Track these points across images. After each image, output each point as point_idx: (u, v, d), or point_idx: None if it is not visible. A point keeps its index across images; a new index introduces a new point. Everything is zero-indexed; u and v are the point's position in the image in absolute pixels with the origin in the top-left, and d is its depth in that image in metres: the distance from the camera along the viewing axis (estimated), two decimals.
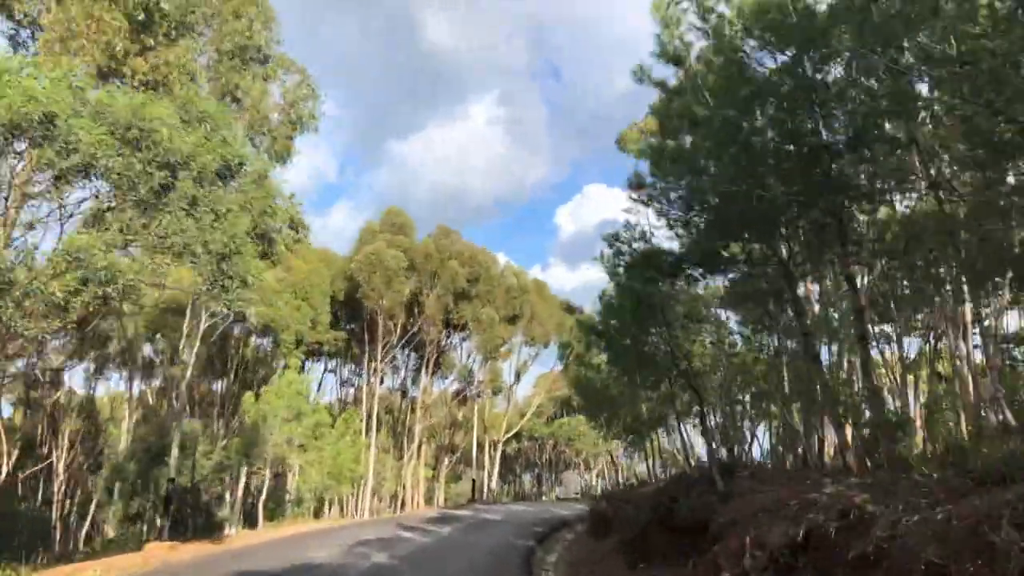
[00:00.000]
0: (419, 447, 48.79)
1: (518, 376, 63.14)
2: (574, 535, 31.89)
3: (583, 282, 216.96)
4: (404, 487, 47.12)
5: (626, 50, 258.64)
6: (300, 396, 34.16)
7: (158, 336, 38.22)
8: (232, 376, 40.54)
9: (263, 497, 33.58)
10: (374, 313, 44.14)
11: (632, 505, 21.31)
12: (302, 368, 50.46)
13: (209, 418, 40.30)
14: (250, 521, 33.75)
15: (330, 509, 45.52)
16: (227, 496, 32.95)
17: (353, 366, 60.47)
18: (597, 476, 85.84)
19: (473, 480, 56.15)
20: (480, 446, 69.46)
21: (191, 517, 32.59)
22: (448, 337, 49.60)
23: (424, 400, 48.98)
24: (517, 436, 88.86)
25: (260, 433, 32.31)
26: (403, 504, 47.79)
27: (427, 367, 49.19)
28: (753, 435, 28.24)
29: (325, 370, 58.72)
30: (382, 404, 62.03)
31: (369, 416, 45.00)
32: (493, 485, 65.66)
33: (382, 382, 60.96)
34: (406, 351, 51.84)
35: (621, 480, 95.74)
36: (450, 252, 45.67)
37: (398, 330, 46.12)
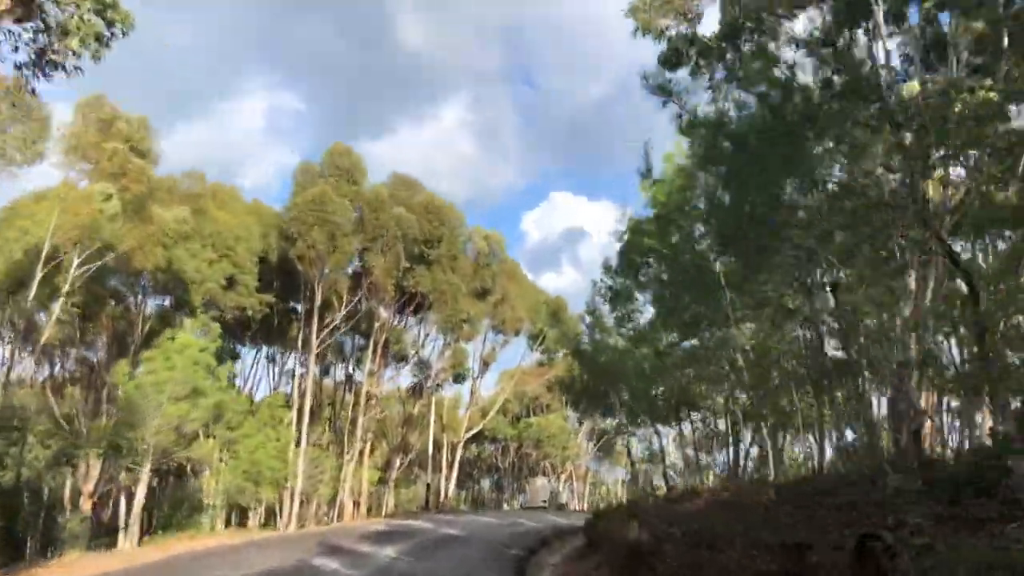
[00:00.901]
0: (365, 446, 39.94)
1: (485, 366, 54.67)
2: (561, 558, 23.49)
3: (550, 290, 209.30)
4: (344, 492, 38.21)
5: (601, 60, 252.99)
6: (198, 368, 25.23)
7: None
8: (112, 345, 31.46)
9: (137, 502, 24.53)
10: (312, 280, 35.33)
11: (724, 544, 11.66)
12: (234, 352, 41.52)
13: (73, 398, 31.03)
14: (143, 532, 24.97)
15: (252, 518, 36.56)
16: (83, 501, 23.88)
17: (297, 354, 51.64)
18: (565, 483, 77.44)
19: (427, 485, 47.49)
20: (437, 447, 60.74)
21: (29, 531, 23.48)
22: (401, 312, 40.68)
23: (370, 389, 40.12)
24: (478, 438, 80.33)
25: (137, 414, 23.37)
26: (341, 513, 38.88)
27: (375, 351, 40.35)
28: None
29: (263, 359, 49.65)
30: (324, 396, 53.08)
31: (301, 405, 36.05)
32: (451, 491, 57.00)
33: (327, 372, 52.20)
34: (355, 336, 42.99)
35: (587, 490, 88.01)
36: (408, 205, 37.01)
37: (343, 305, 37.52)
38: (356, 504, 41.07)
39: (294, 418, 36.29)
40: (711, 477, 58.09)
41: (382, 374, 42.15)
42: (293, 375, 52.93)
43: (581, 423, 76.67)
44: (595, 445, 77.90)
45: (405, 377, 53.38)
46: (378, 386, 40.95)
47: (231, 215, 35.36)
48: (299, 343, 39.17)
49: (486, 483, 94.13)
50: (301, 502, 35.79)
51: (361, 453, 39.75)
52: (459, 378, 42.46)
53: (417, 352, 50.47)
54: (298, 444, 35.04)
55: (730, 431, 32.80)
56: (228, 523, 33.72)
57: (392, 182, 37.91)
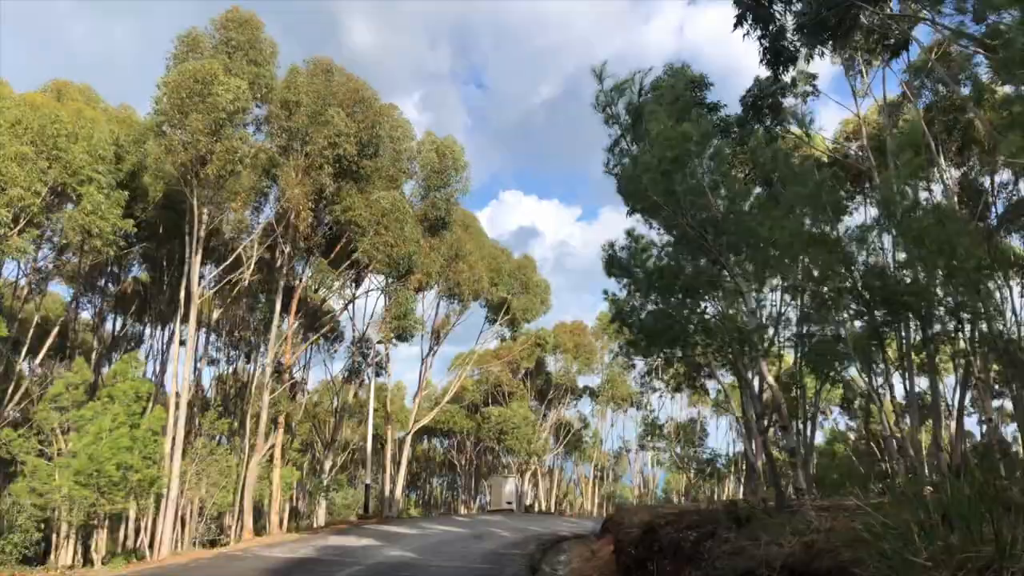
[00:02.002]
0: (276, 439, 28.78)
1: (436, 339, 43.98)
2: None
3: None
4: (246, 499, 27.03)
5: (550, 61, 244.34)
6: None
7: None
8: None
9: None
10: (196, 201, 24.34)
11: None
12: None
13: None
14: None
15: (98, 542, 25.35)
16: None
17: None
18: (529, 482, 67.04)
19: (367, 487, 36.70)
20: (381, 442, 49.88)
21: None
22: (327, 256, 29.25)
23: (284, 361, 28.95)
24: (430, 432, 69.54)
25: None
26: (243, 527, 27.72)
27: (289, 312, 29.25)
28: None
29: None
30: (235, 381, 41.77)
31: (177, 391, 24.94)
32: (398, 494, 46.19)
33: (237, 348, 41.10)
34: (268, 295, 31.85)
35: (554, 490, 77.90)
36: (332, 98, 26.07)
37: (255, 253, 26.57)
38: (266, 514, 30.00)
39: (172, 402, 25.19)
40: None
41: (299, 340, 31.08)
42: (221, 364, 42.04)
43: (545, 415, 66.65)
44: (561, 440, 67.72)
45: (340, 360, 42.63)
46: (293, 358, 29.94)
47: (63, 102, 24.18)
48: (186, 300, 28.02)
49: (440, 484, 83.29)
50: (183, 518, 24.68)
51: (268, 448, 28.66)
52: (404, 336, 31.59)
53: (352, 318, 39.62)
54: (174, 437, 23.95)
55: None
56: (47, 554, 22.58)
57: (311, 68, 26.85)
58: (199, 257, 24.83)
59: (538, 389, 66.07)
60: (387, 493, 45.38)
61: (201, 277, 26.17)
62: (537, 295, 44.48)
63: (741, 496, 60.98)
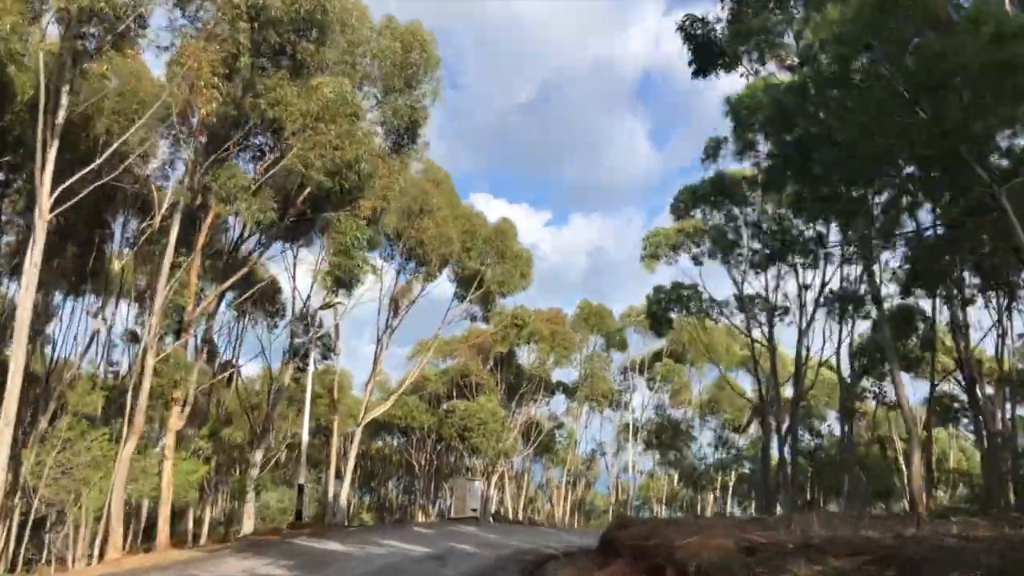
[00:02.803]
0: (170, 420, 21.07)
1: (395, 310, 36.54)
2: None
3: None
4: (115, 503, 19.27)
5: (526, 64, 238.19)
6: None
7: None
8: None
9: None
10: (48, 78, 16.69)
11: None
12: None
13: None
14: None
15: None
16: None
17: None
18: (495, 487, 59.53)
19: (300, 488, 29.10)
20: (326, 435, 42.33)
21: None
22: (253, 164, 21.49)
23: (188, 315, 21.24)
24: (386, 427, 61.85)
25: None
26: (109, 541, 19.89)
27: (194, 248, 21.60)
28: None
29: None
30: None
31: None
32: (344, 497, 38.52)
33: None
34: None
35: (523, 497, 70.31)
36: None
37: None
38: (156, 524, 22.26)
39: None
40: None
41: (201, 293, 23.37)
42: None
43: (514, 412, 59.41)
44: (532, 441, 60.35)
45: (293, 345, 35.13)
46: (198, 312, 22.21)
47: None
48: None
49: (397, 487, 75.49)
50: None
51: (170, 437, 20.97)
52: (348, 283, 23.98)
53: (293, 281, 31.97)
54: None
55: None
56: None
57: None
58: (53, 153, 17.22)
59: (508, 384, 58.83)
60: (331, 496, 37.78)
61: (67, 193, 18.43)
62: (516, 266, 37.30)
63: (753, 511, 54.34)
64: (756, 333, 35.71)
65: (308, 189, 20.81)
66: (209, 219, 20.84)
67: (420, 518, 60.06)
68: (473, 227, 37.24)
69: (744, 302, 34.41)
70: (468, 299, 38.94)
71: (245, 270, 22.31)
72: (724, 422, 56.90)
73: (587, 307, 59.78)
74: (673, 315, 35.33)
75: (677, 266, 34.66)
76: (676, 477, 61.15)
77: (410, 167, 29.04)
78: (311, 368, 30.02)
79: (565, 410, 64.27)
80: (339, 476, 38.15)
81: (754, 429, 58.22)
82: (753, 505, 63.59)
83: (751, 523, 18.12)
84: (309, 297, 31.54)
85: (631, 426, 59.97)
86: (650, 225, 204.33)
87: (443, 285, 43.20)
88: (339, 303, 28.87)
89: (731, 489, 59.24)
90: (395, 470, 70.86)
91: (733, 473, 58.93)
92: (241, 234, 26.09)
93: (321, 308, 29.56)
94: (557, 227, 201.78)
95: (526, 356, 58.51)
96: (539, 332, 54.10)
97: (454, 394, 56.63)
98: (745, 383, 59.18)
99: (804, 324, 31.95)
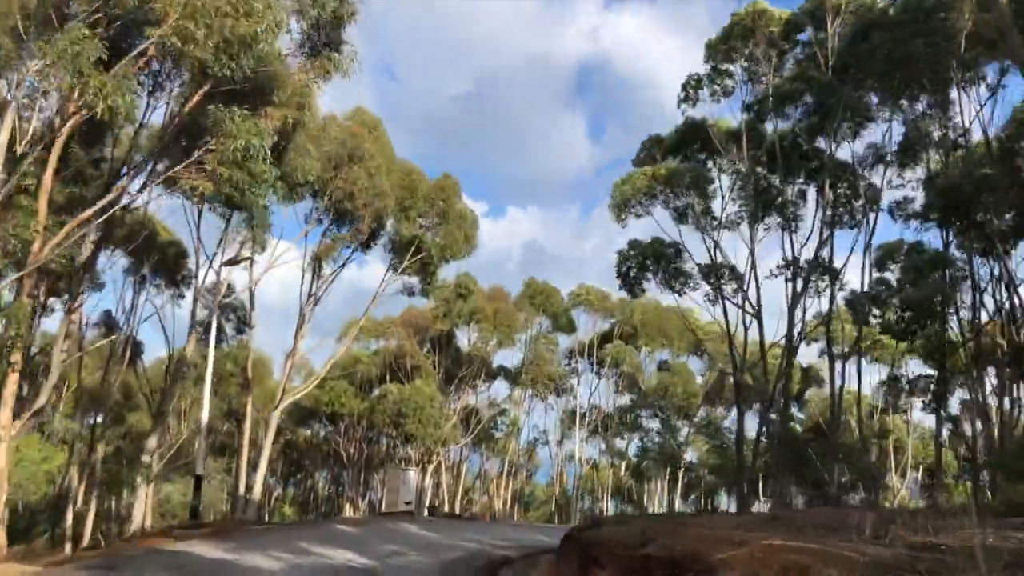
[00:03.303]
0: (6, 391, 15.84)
1: (318, 271, 31.44)
2: None
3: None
4: None
5: (462, 57, 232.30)
6: None
7: None
8: None
9: None
10: None
11: None
12: None
13: None
14: None
15: None
16: None
17: None
18: (431, 479, 54.71)
19: (197, 478, 23.89)
20: (237, 421, 37.01)
21: None
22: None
23: (36, 250, 16.05)
24: (313, 415, 56.51)
25: None
26: None
27: (50, 163, 16.16)
28: None
29: None
30: None
31: None
32: (258, 491, 33.26)
33: None
34: None
35: (460, 489, 65.29)
36: None
37: None
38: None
39: None
40: None
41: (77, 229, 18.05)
42: None
43: (453, 398, 54.81)
44: (471, 429, 55.66)
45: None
46: (50, 249, 16.92)
47: None
48: None
49: (325, 479, 69.89)
50: None
51: (5, 411, 15.73)
52: (242, 205, 18.91)
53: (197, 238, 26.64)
54: None
55: None
56: None
57: None
58: None
59: (446, 368, 54.16)
60: (243, 489, 32.57)
61: None
62: (460, 227, 32.61)
63: (726, 505, 51.13)
64: (731, 305, 31.91)
65: (191, 78, 15.69)
66: (67, 128, 15.56)
67: (349, 512, 54.95)
68: (411, 183, 32.46)
69: (719, 270, 30.54)
70: (404, 267, 34.07)
71: (112, 196, 16.99)
72: (678, 408, 53.26)
73: (533, 285, 55.47)
74: (648, 281, 31.09)
75: (647, 231, 30.37)
76: (624, 467, 57.43)
77: (338, 115, 24.36)
78: (213, 336, 24.74)
79: (507, 396, 59.84)
80: (255, 467, 32.92)
81: (705, 413, 54.93)
82: (723, 499, 60.36)
83: (767, 522, 13.93)
84: (215, 255, 26.32)
85: (578, 413, 55.98)
86: (587, 218, 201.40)
87: (377, 267, 38.20)
88: (247, 258, 23.79)
89: (680, 480, 55.78)
90: (324, 460, 65.32)
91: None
92: (123, 165, 20.62)
93: (227, 264, 24.38)
94: (494, 219, 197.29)
95: (467, 338, 53.87)
96: (481, 310, 49.52)
97: (387, 378, 51.70)
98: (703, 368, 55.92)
99: (798, 289, 28.24)
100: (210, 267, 27.27)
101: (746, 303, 30.74)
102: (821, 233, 28.49)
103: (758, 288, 29.62)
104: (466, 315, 49.36)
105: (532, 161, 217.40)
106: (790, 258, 29.24)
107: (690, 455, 58.55)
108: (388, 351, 53.45)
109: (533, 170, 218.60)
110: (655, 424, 57.53)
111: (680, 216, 28.93)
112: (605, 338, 55.75)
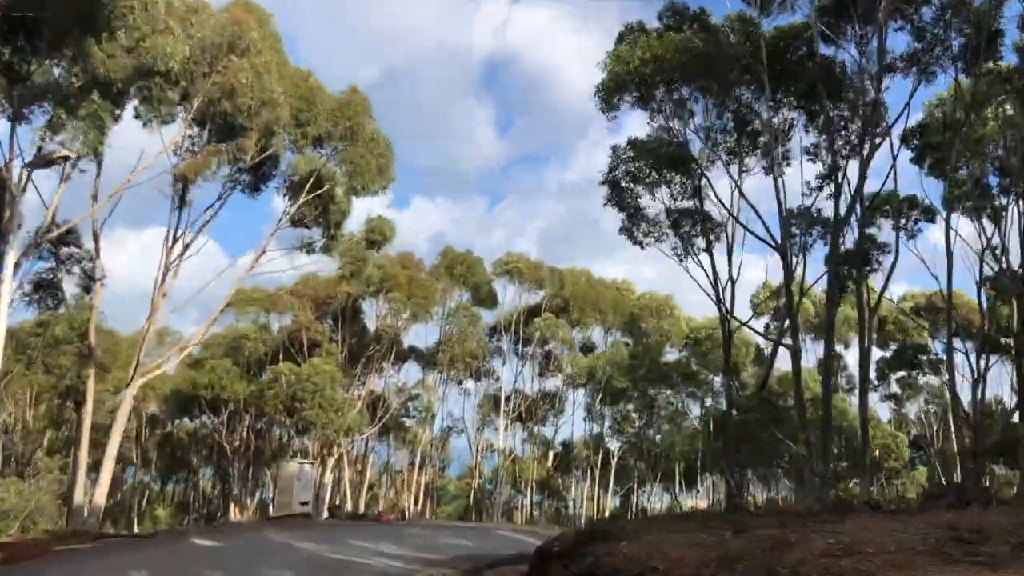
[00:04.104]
0: None
1: (182, 193, 23.54)
2: None
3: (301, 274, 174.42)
4: None
5: (372, 46, 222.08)
6: None
7: None
8: None
9: None
10: None
11: None
12: None
13: None
14: None
15: None
16: None
17: None
18: (332, 474, 46.84)
19: None
20: (77, 400, 28.57)
21: None
22: None
23: None
24: (193, 403, 47.89)
25: None
26: None
27: None
28: None
29: None
30: None
31: None
32: (101, 494, 25.06)
33: None
34: None
35: (365, 485, 56.85)
36: None
37: None
38: None
39: None
40: None
41: None
42: None
43: (359, 382, 47.30)
44: (378, 418, 47.97)
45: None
46: None
47: None
48: None
49: (212, 476, 60.64)
50: None
51: None
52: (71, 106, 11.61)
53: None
54: None
55: None
56: None
57: None
58: None
59: (350, 348, 46.66)
60: (80, 495, 24.36)
61: None
62: (372, 152, 25.31)
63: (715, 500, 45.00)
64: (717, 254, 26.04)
65: None
66: None
67: (234, 515, 46.64)
68: (309, 92, 25.01)
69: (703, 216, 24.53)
70: (302, 206, 26.56)
71: None
72: (612, 392, 47.38)
73: (450, 254, 48.46)
74: (643, 200, 24.56)
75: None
76: (551, 458, 51.23)
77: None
78: (7, 270, 16.63)
79: (418, 382, 52.54)
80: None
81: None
82: (704, 493, 54.55)
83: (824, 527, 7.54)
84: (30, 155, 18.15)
85: (502, 397, 49.43)
86: (492, 213, 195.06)
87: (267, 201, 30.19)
88: (63, 157, 15.95)
89: (613, 471, 50.00)
90: (210, 455, 56.27)
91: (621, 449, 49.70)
92: None
93: (36, 165, 16.36)
94: (398, 209, 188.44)
95: (375, 312, 46.32)
96: (393, 277, 42.23)
97: (280, 357, 43.81)
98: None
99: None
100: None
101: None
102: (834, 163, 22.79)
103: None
104: (376, 281, 41.92)
105: (439, 153, 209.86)
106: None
107: (615, 443, 52.94)
108: (283, 330, 45.49)
109: (441, 162, 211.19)
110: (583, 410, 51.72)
111: (682, 108, 22.41)
112: (532, 313, 49.33)
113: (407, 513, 47.61)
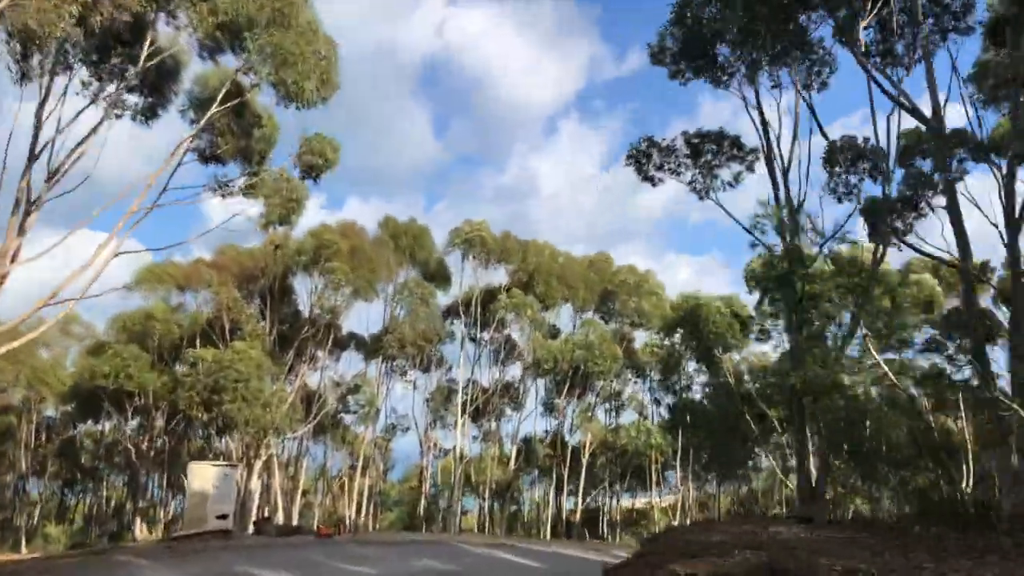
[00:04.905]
0: None
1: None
2: None
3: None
4: None
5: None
6: None
7: None
8: None
9: None
10: None
11: None
12: None
13: None
14: None
15: None
16: None
17: None
18: (260, 481, 39.58)
19: None
20: None
21: None
22: None
23: None
24: (91, 403, 40.19)
25: None
26: None
27: None
28: None
29: None
30: None
31: None
32: None
33: None
34: None
35: (299, 493, 49.09)
36: None
37: None
38: None
39: None
40: None
41: None
42: None
43: (290, 374, 40.45)
44: (313, 416, 41.03)
45: None
46: None
47: None
48: None
49: (122, 485, 52.34)
50: None
51: None
52: None
53: None
54: None
55: None
56: None
57: None
58: None
59: (280, 332, 39.84)
60: None
61: None
62: (309, 44, 18.83)
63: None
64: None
65: None
66: None
67: (141, 532, 39.11)
68: None
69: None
70: (213, 116, 19.88)
71: None
72: (582, 378, 41.58)
73: (392, 224, 41.94)
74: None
75: None
76: (514, 456, 45.05)
77: None
78: None
79: (358, 373, 45.83)
80: None
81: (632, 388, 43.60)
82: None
83: None
84: None
85: (460, 388, 43.18)
86: (429, 215, 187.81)
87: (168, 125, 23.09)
88: None
89: (585, 466, 44.16)
90: (121, 462, 48.15)
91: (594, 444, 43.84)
92: None
93: None
94: (330, 211, 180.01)
95: (309, 291, 39.49)
96: (333, 244, 35.62)
97: (198, 343, 36.70)
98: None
99: None
100: None
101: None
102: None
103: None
104: (309, 250, 35.19)
105: (376, 153, 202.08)
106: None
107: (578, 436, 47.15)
108: (199, 308, 38.31)
109: (377, 162, 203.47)
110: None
111: None
112: (491, 294, 43.19)
113: (348, 524, 40.76)
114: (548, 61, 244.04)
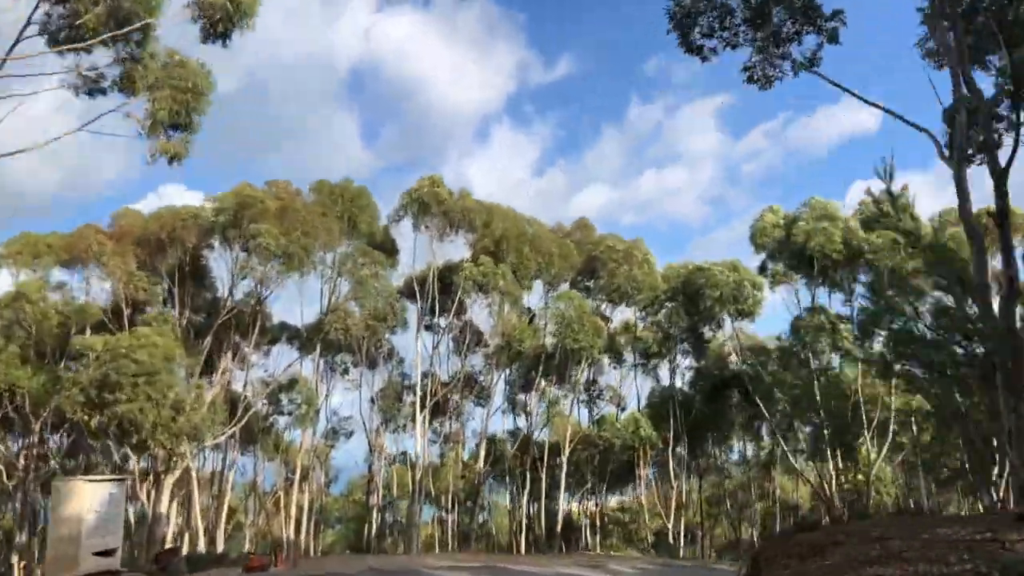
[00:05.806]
0: None
1: None
2: None
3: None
4: None
5: (234, 51, 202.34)
6: None
7: None
8: None
9: None
10: None
11: None
12: None
13: None
14: None
15: None
16: None
17: None
18: (171, 502, 31.62)
19: None
20: None
21: None
22: None
23: None
24: None
25: None
26: None
27: None
28: None
29: None
30: None
31: None
32: None
33: None
34: None
35: (223, 515, 40.08)
36: None
37: None
38: None
39: None
40: None
41: None
42: None
43: (209, 372, 32.96)
44: (237, 420, 33.27)
45: None
46: None
47: None
48: None
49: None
50: None
51: None
52: None
53: None
54: None
55: None
56: None
57: None
58: None
59: (193, 323, 32.51)
60: None
61: None
62: None
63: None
64: None
65: None
66: None
67: (19, 574, 30.93)
68: None
69: None
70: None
71: None
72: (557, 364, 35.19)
73: (326, 187, 34.73)
74: None
75: None
76: (482, 458, 38.15)
77: None
78: None
79: (290, 364, 38.21)
80: None
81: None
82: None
83: None
84: None
85: (418, 380, 36.33)
86: None
87: None
88: None
89: (564, 466, 37.61)
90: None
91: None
92: None
93: None
94: None
95: (228, 270, 31.98)
96: (258, 204, 28.45)
97: (88, 331, 29.08)
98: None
99: None
100: None
101: None
102: None
103: None
104: (230, 211, 27.95)
105: (304, 162, 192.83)
106: None
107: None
108: (87, 284, 30.52)
109: (306, 171, 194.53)
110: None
111: None
112: (450, 270, 36.41)
113: (287, 550, 33.13)
114: (476, 67, 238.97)
